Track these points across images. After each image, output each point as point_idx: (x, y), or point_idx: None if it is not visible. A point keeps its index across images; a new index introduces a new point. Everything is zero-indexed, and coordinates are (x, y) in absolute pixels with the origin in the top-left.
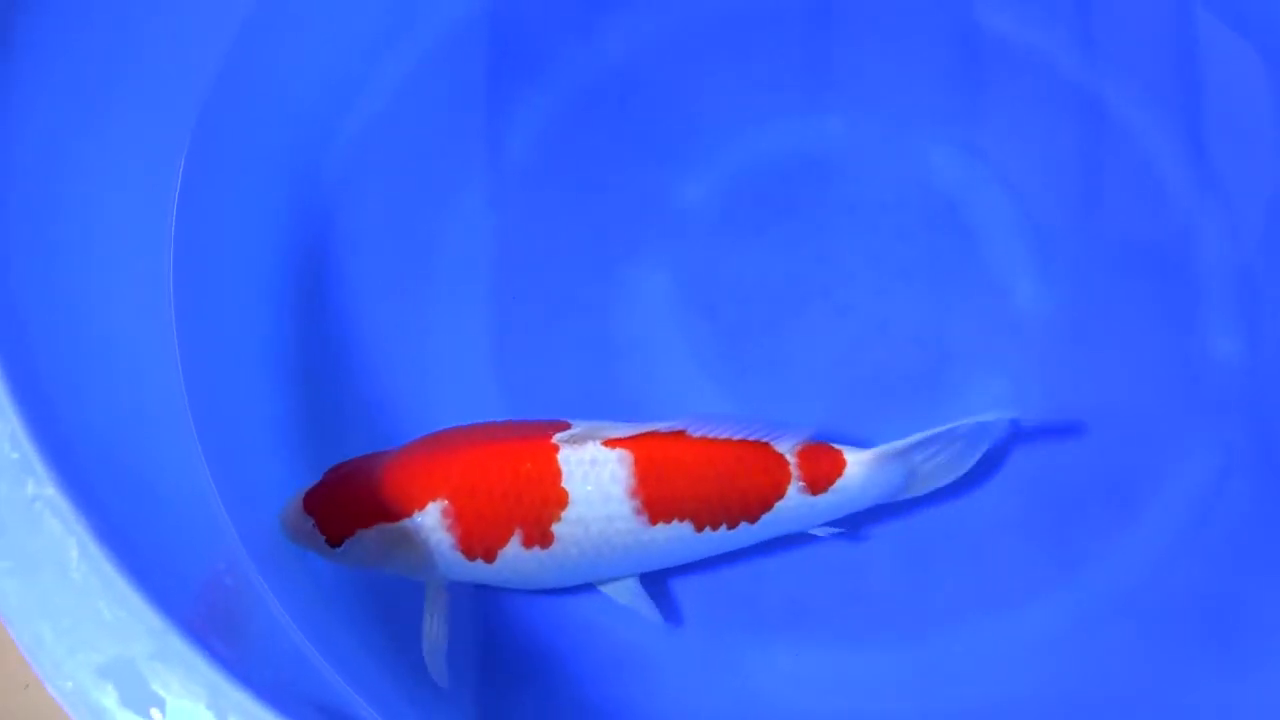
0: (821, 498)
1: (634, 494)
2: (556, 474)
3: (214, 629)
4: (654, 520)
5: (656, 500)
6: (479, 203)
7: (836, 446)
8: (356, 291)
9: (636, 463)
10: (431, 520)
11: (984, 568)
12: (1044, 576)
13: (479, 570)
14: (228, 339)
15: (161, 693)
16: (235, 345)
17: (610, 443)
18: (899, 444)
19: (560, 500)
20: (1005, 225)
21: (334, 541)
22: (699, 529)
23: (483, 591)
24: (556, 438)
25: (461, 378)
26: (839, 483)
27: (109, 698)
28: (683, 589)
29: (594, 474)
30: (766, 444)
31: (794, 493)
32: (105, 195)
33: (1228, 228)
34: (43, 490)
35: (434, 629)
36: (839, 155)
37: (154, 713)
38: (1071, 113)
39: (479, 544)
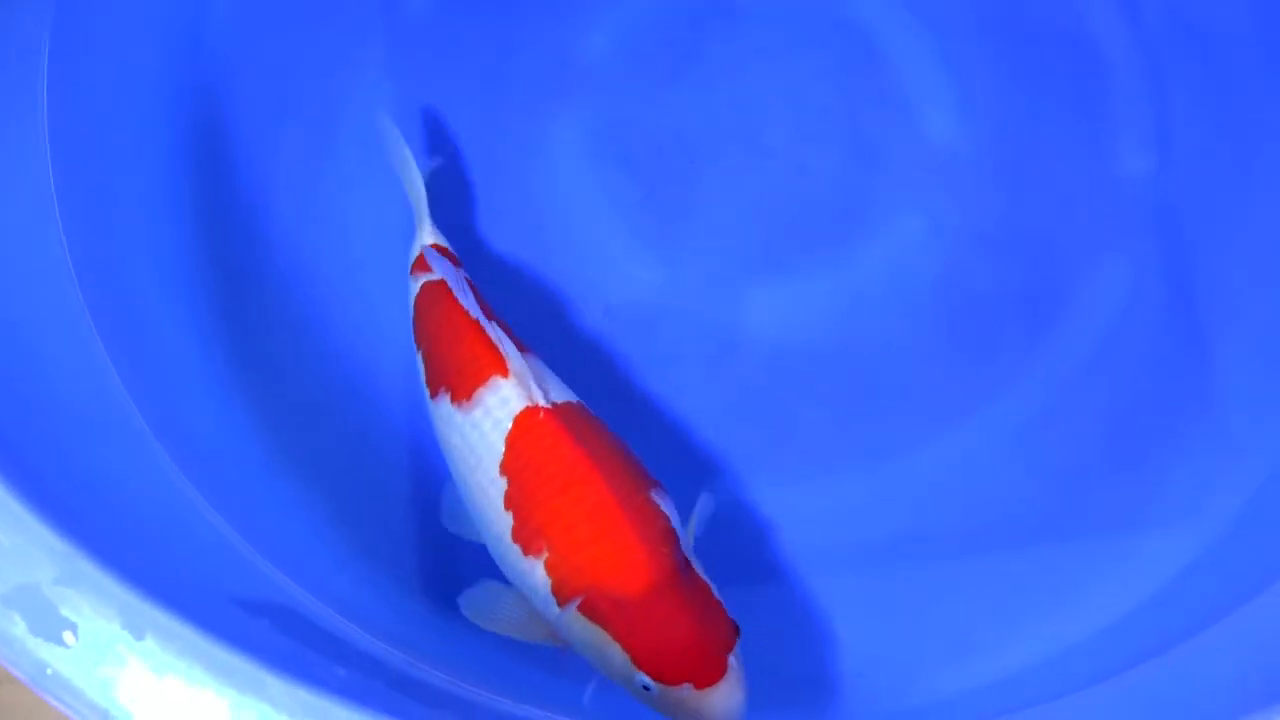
0: None
1: None
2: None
3: (129, 539)
4: None
5: None
6: (378, 63)
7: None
8: (255, 166)
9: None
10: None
11: (904, 401)
12: (961, 405)
13: None
14: (120, 228)
15: (72, 617)
16: (129, 233)
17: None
18: None
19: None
20: (921, 58)
21: None
22: None
23: None
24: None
25: (378, 244)
26: None
27: (17, 627)
28: None
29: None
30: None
31: None
32: None
33: (1141, 48)
34: None
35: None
36: None
37: (67, 637)
38: None
39: None
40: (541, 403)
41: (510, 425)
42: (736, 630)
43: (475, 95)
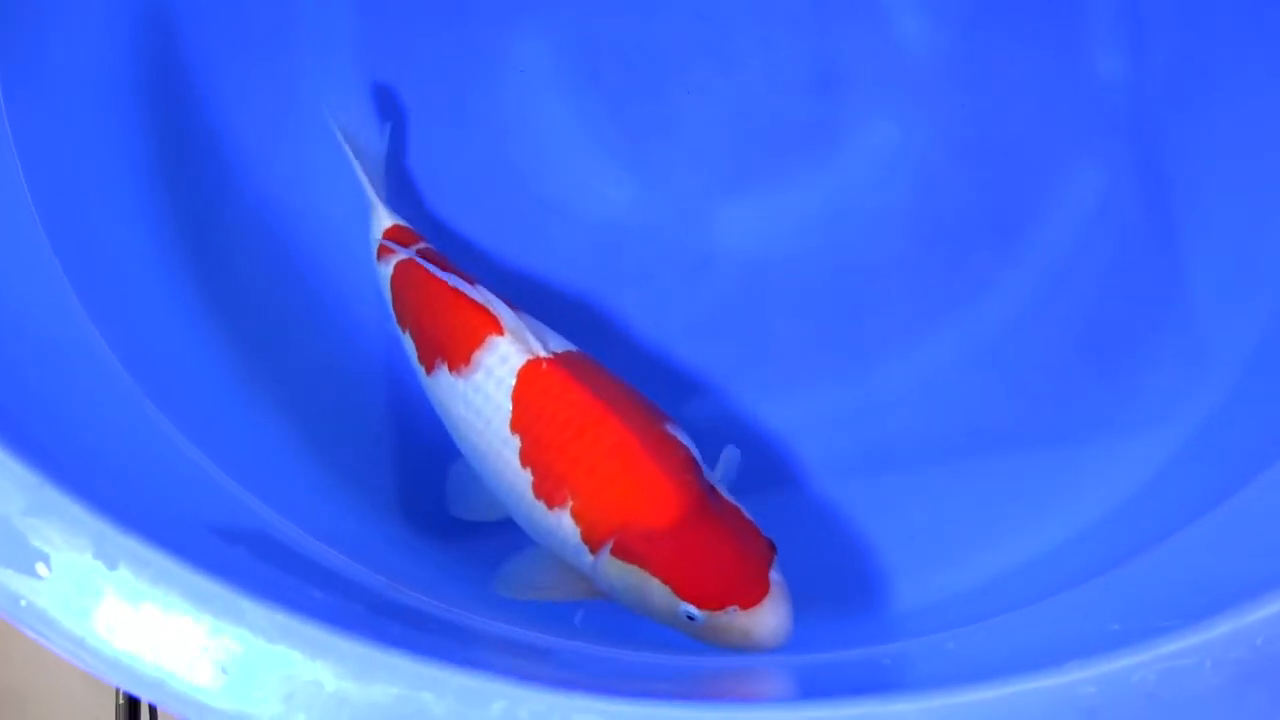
0: None
1: None
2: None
3: (100, 470)
4: None
5: None
6: None
7: None
8: (216, 93)
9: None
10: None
11: (881, 311)
12: (938, 313)
13: None
14: (81, 159)
15: (44, 548)
16: (91, 164)
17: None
18: None
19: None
20: None
21: None
22: None
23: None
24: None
25: (345, 168)
26: None
27: None
28: None
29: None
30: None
31: None
32: None
33: None
34: None
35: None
36: None
37: (40, 568)
38: None
39: None
40: (542, 354)
41: (514, 381)
42: (773, 546)
43: (440, 12)
